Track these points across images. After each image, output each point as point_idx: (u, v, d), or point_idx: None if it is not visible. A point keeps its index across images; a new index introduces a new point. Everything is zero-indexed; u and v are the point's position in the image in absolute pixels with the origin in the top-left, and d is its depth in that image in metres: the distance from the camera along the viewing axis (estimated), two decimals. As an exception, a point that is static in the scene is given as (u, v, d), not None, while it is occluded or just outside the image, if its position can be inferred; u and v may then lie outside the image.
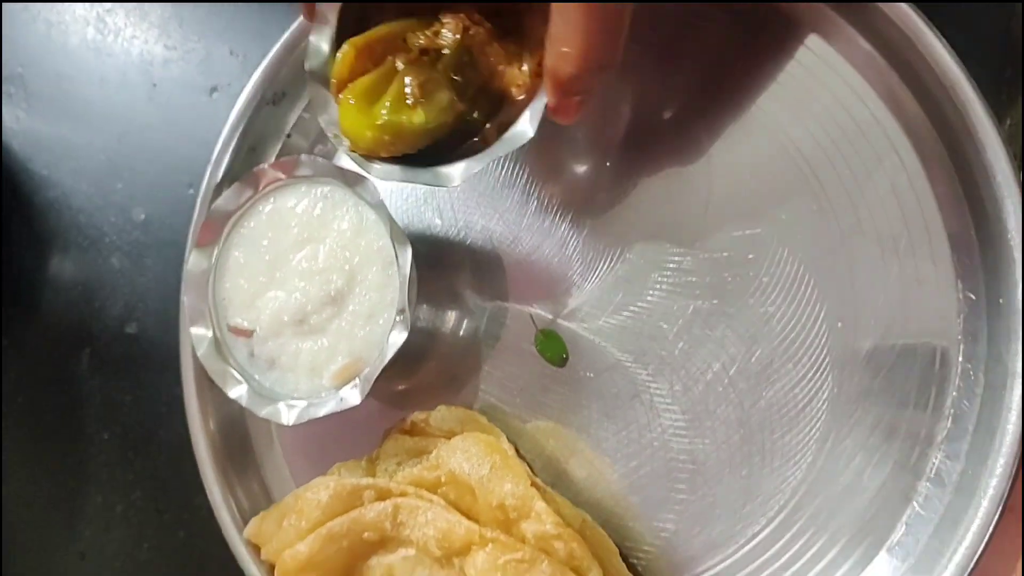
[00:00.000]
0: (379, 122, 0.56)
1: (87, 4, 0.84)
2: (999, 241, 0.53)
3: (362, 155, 0.59)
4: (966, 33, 0.58)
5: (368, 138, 0.57)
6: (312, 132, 0.74)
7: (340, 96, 0.58)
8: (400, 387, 0.71)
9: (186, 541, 0.74)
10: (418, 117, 0.56)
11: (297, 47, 0.72)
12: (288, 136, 0.74)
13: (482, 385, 0.68)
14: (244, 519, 0.69)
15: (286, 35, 0.71)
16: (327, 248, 0.65)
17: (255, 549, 0.67)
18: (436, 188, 0.66)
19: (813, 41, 0.61)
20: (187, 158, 0.78)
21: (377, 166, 0.59)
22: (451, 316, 0.69)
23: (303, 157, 0.65)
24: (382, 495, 0.61)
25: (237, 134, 0.72)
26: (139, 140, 0.81)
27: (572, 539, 0.57)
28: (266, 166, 0.66)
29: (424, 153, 0.59)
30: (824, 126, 0.60)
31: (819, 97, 0.60)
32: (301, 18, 0.70)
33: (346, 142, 0.59)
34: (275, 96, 0.72)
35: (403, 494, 0.61)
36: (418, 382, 0.70)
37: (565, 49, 0.49)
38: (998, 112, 0.57)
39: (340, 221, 0.65)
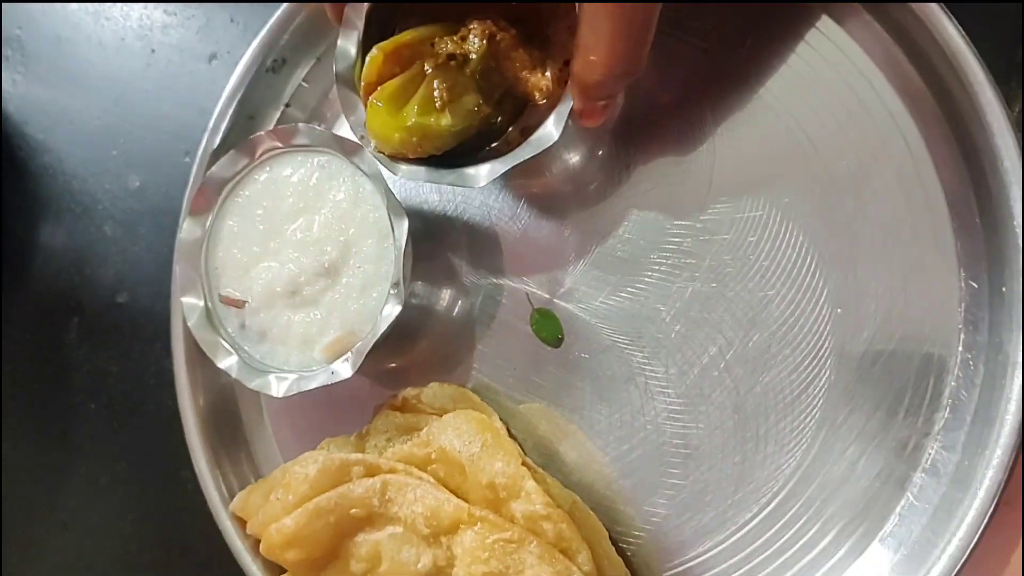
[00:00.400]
0: (407, 124, 0.58)
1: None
2: (1004, 229, 0.53)
3: (389, 156, 0.61)
4: (978, 15, 0.57)
5: (396, 140, 0.59)
6: (311, 103, 0.74)
7: (369, 99, 0.60)
8: (393, 364, 0.70)
9: (170, 514, 0.74)
10: (446, 120, 0.58)
11: (298, 14, 0.71)
12: (287, 106, 0.74)
13: (476, 364, 0.67)
14: (231, 493, 0.68)
15: (286, 3, 0.71)
16: (322, 219, 0.64)
17: (241, 523, 0.66)
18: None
19: (823, 22, 0.60)
20: (184, 125, 0.77)
21: (403, 167, 0.61)
22: (446, 293, 0.69)
23: (300, 126, 0.65)
24: (371, 471, 0.61)
25: (235, 101, 0.71)
26: (136, 106, 0.80)
27: (561, 520, 0.57)
28: (263, 134, 0.66)
29: (448, 154, 0.60)
30: (830, 107, 0.59)
31: (826, 78, 0.60)
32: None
33: (373, 143, 0.61)
34: (274, 63, 0.71)
35: (392, 471, 0.61)
36: (411, 360, 0.70)
37: (592, 57, 0.51)
38: (1008, 98, 0.57)
39: (336, 191, 0.64)
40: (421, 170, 0.60)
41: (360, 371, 0.68)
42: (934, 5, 0.54)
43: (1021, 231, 0.52)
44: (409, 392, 0.65)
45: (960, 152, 0.56)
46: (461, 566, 0.58)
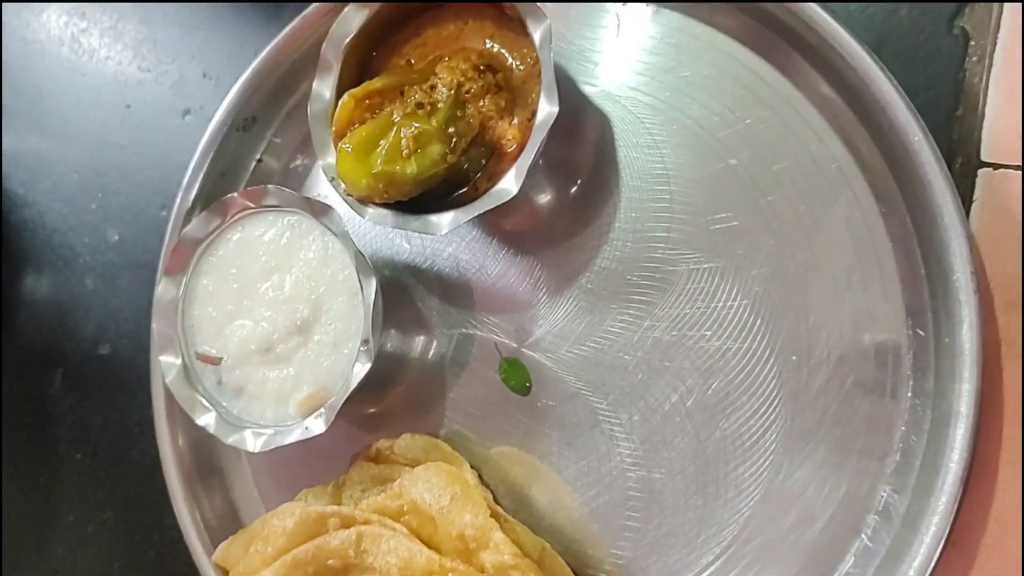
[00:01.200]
0: (374, 171, 0.61)
1: (62, 22, 0.85)
2: (946, 280, 0.55)
3: (357, 199, 0.63)
4: (921, 71, 0.60)
5: (363, 185, 0.61)
6: (284, 155, 0.76)
7: (339, 144, 0.63)
8: (369, 411, 0.72)
9: (156, 561, 0.76)
10: (411, 168, 0.60)
11: (270, 71, 0.73)
12: (259, 160, 0.76)
13: (448, 411, 0.69)
14: (213, 540, 0.70)
15: (258, 60, 0.73)
16: (294, 277, 0.66)
17: (223, 573, 0.68)
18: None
19: (774, 78, 0.62)
20: (160, 179, 0.79)
21: (371, 210, 0.64)
22: (419, 342, 0.71)
23: (270, 187, 0.67)
24: (346, 523, 0.63)
25: (208, 159, 0.74)
26: (113, 160, 0.82)
27: (529, 569, 0.59)
28: (235, 195, 0.68)
29: (416, 200, 0.63)
30: (783, 162, 0.61)
31: (778, 133, 0.62)
32: (275, 42, 0.72)
33: (343, 186, 0.63)
34: (245, 122, 0.73)
35: (367, 522, 0.63)
36: (386, 407, 0.72)
37: None
38: (950, 150, 0.59)
39: (307, 251, 0.66)
40: (388, 215, 0.63)
41: (337, 419, 0.71)
42: (876, 67, 0.56)
43: (961, 284, 0.54)
44: (382, 444, 0.67)
45: (905, 205, 0.58)
46: None
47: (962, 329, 0.54)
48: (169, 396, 0.71)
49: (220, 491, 0.74)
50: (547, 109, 0.59)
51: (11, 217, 0.84)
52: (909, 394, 0.58)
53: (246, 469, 0.74)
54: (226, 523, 0.72)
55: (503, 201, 0.60)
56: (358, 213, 0.63)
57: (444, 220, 0.62)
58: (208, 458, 0.74)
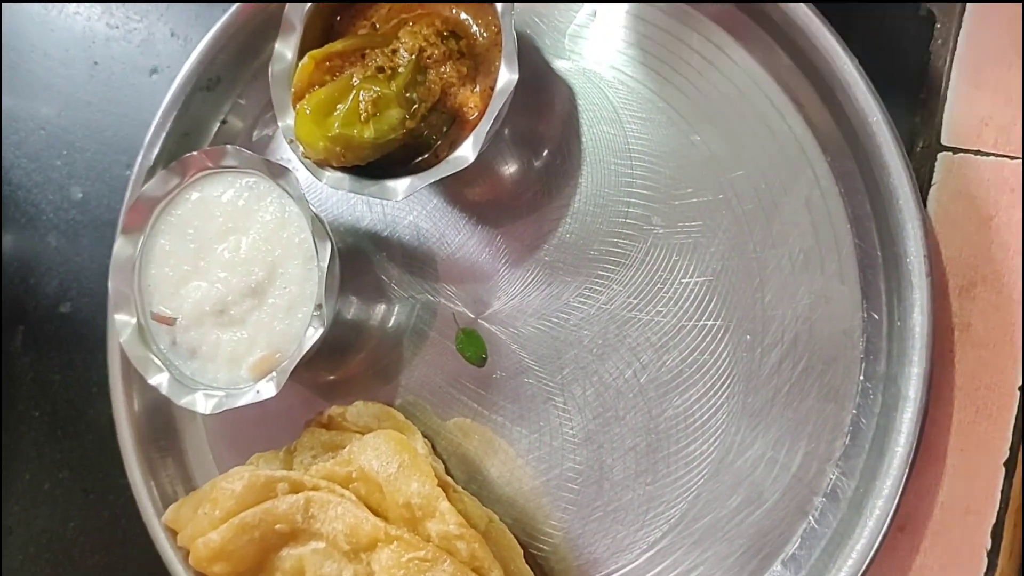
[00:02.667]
0: (331, 134, 0.60)
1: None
2: (900, 263, 0.54)
3: (315, 162, 0.63)
4: (886, 53, 0.59)
5: (321, 148, 0.61)
6: (248, 118, 0.75)
7: (298, 105, 0.62)
8: (327, 379, 0.72)
9: (111, 521, 0.76)
10: (368, 132, 0.60)
11: (236, 32, 0.72)
12: (224, 122, 0.75)
13: (404, 380, 0.69)
14: (166, 503, 0.70)
15: (224, 19, 0.72)
16: (250, 240, 0.66)
17: (174, 534, 0.68)
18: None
19: (740, 55, 0.61)
20: (126, 138, 0.78)
21: (328, 174, 0.63)
22: (377, 310, 0.70)
23: (229, 148, 0.66)
24: (295, 488, 0.63)
25: (171, 118, 0.73)
26: (79, 117, 0.81)
27: (474, 540, 0.59)
28: (194, 154, 0.67)
29: (375, 164, 0.62)
30: (745, 140, 0.61)
31: (741, 112, 0.61)
32: (239, 4, 0.71)
33: (300, 148, 0.62)
34: (210, 82, 0.72)
35: (315, 488, 0.62)
36: (344, 375, 0.71)
37: None
38: (912, 133, 0.58)
39: (264, 213, 0.66)
40: (345, 179, 0.62)
41: (294, 384, 0.70)
42: (839, 48, 0.56)
43: (914, 268, 0.53)
44: (335, 410, 0.67)
45: (864, 187, 0.57)
46: None
47: (913, 312, 0.54)
48: (125, 356, 0.71)
49: (174, 454, 0.73)
50: (507, 77, 0.59)
51: (-25, 174, 0.84)
52: (861, 377, 0.57)
53: (200, 432, 0.74)
54: (179, 486, 0.72)
55: (460, 168, 0.60)
56: (315, 176, 0.63)
57: (401, 186, 0.61)
58: (163, 420, 0.73)
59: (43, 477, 0.78)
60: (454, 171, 0.60)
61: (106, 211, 0.79)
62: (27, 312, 0.80)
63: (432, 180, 0.60)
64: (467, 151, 0.60)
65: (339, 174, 0.63)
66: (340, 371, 0.72)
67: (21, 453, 0.79)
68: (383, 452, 0.61)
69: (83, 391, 0.78)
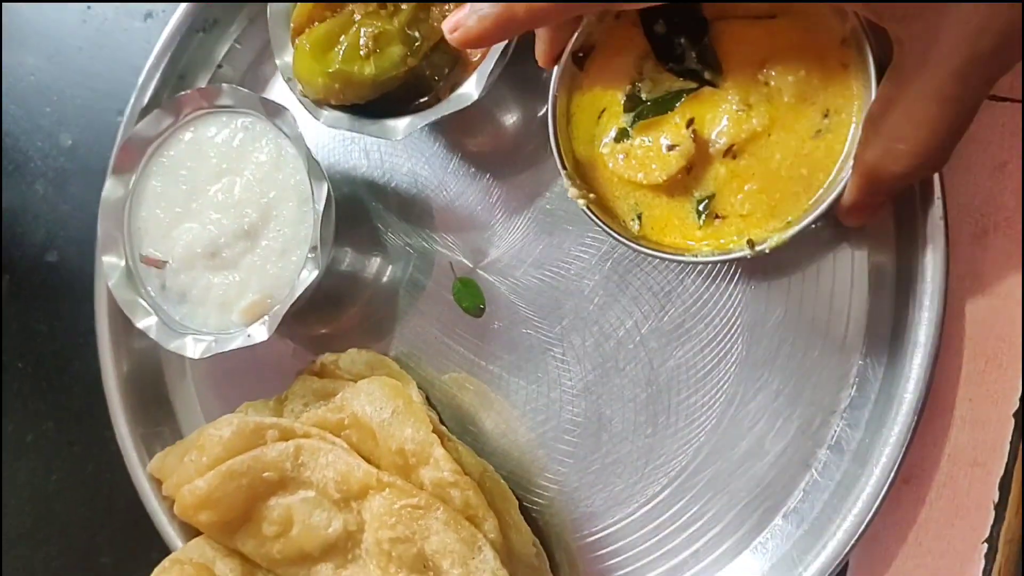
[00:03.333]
0: (330, 70, 0.58)
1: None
2: (912, 205, 0.53)
3: (313, 101, 0.61)
4: None
5: (319, 85, 0.59)
6: (244, 63, 0.73)
7: (296, 41, 0.61)
8: (321, 331, 0.70)
9: (94, 474, 0.74)
10: (369, 69, 0.58)
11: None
12: (219, 67, 0.73)
13: (399, 331, 0.67)
14: (151, 454, 0.69)
15: None
16: (244, 181, 0.64)
17: (159, 485, 0.67)
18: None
19: None
20: (118, 84, 0.76)
21: (326, 113, 0.61)
22: (374, 261, 0.69)
23: (225, 86, 0.65)
24: (285, 435, 0.61)
25: (166, 60, 0.71)
26: (70, 63, 0.80)
27: (468, 487, 0.57)
28: (188, 93, 0.66)
29: (375, 104, 0.60)
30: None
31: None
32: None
33: (299, 86, 0.61)
34: (206, 23, 0.71)
35: (306, 435, 0.61)
36: (339, 326, 0.70)
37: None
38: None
39: (259, 153, 0.64)
40: (344, 118, 0.61)
41: (287, 336, 0.69)
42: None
43: (928, 211, 0.52)
44: (327, 358, 0.66)
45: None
46: (370, 531, 0.58)
47: (925, 258, 0.52)
48: (113, 303, 0.69)
49: (161, 404, 0.72)
50: None
51: (-37, 119, 0.82)
52: (868, 324, 0.56)
53: (189, 384, 0.73)
54: (166, 436, 0.71)
55: (463, 106, 0.58)
56: (313, 115, 0.61)
57: (401, 124, 0.60)
58: (151, 370, 0.72)
59: (27, 429, 0.76)
60: (457, 109, 0.58)
61: (96, 159, 0.77)
62: (13, 261, 0.79)
63: (434, 119, 0.59)
64: (471, 88, 0.58)
65: (337, 113, 0.61)
66: (333, 323, 0.70)
67: (4, 404, 0.77)
68: (377, 398, 0.60)
69: (69, 342, 0.76)
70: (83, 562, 0.73)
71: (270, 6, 0.63)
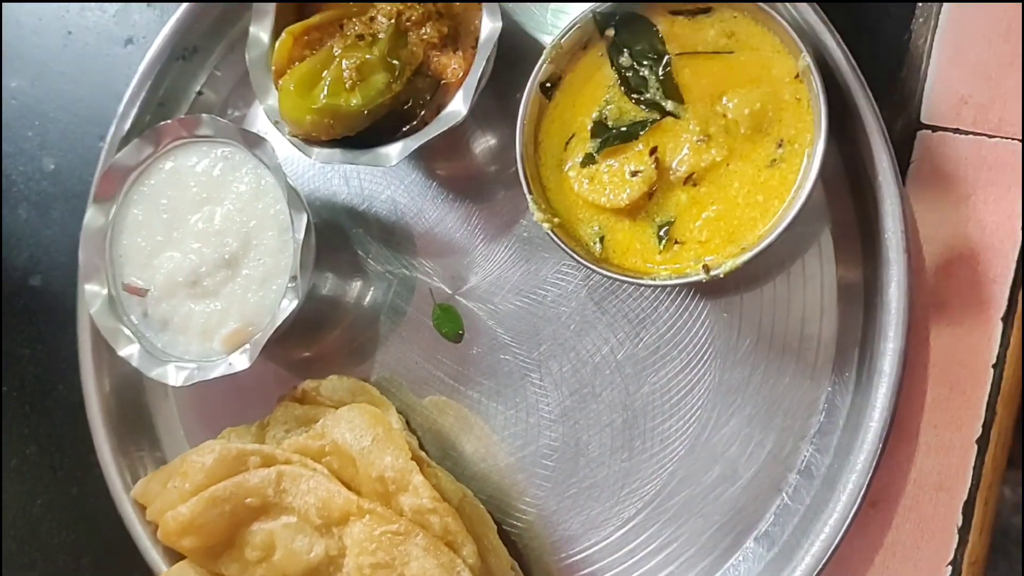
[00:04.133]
0: (317, 105, 0.60)
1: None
2: (878, 239, 0.55)
3: (302, 139, 0.63)
4: (867, 32, 0.59)
5: (308, 122, 0.61)
6: (225, 89, 0.74)
7: (280, 83, 0.62)
8: (302, 355, 0.72)
9: (79, 499, 0.75)
10: (356, 99, 0.60)
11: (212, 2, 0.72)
12: (200, 93, 0.74)
13: (380, 357, 0.69)
14: (135, 479, 0.70)
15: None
16: (224, 210, 0.65)
17: (143, 509, 0.68)
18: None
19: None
20: (100, 109, 0.77)
21: (318, 150, 0.63)
22: (354, 286, 0.70)
23: (205, 117, 0.66)
24: (267, 461, 0.63)
25: (146, 87, 0.72)
26: (52, 87, 0.81)
27: (447, 514, 0.59)
28: (169, 123, 0.67)
29: (364, 136, 0.62)
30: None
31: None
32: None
33: (287, 127, 0.63)
34: (186, 51, 0.72)
35: (287, 462, 0.62)
36: (320, 351, 0.71)
37: None
38: (891, 112, 0.59)
39: (239, 183, 0.66)
40: (336, 152, 0.63)
41: (269, 360, 0.70)
42: (817, 19, 0.56)
43: (892, 243, 0.54)
44: (309, 384, 0.67)
45: (843, 165, 0.58)
46: (351, 556, 0.60)
47: (890, 288, 0.54)
48: (95, 330, 0.70)
49: (144, 430, 0.73)
50: (490, 26, 0.59)
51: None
52: (836, 354, 0.58)
53: (172, 408, 0.74)
54: (149, 463, 0.72)
55: (453, 123, 0.60)
56: (305, 154, 0.63)
57: (394, 150, 0.61)
58: (133, 396, 0.73)
59: (10, 454, 0.77)
60: (447, 127, 0.60)
61: (78, 183, 0.78)
62: (-5, 285, 0.80)
63: (425, 140, 0.60)
64: (458, 106, 0.60)
65: (329, 149, 0.63)
66: (315, 347, 0.72)
67: (-13, 429, 0.78)
68: (357, 425, 0.61)
69: (53, 366, 0.77)
70: (68, 586, 0.75)
71: (248, 56, 0.64)
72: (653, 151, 0.56)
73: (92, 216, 0.68)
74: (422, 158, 0.69)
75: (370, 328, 0.69)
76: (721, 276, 0.54)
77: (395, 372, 0.68)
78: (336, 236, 0.70)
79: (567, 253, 0.56)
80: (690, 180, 0.55)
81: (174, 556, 0.66)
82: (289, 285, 0.62)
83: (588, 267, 0.56)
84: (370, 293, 0.70)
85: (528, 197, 0.57)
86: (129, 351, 0.66)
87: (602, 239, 0.58)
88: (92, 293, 0.67)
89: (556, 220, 0.57)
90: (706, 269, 0.54)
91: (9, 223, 0.80)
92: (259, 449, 0.63)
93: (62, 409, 0.77)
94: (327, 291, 0.70)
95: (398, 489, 0.60)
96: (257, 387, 0.71)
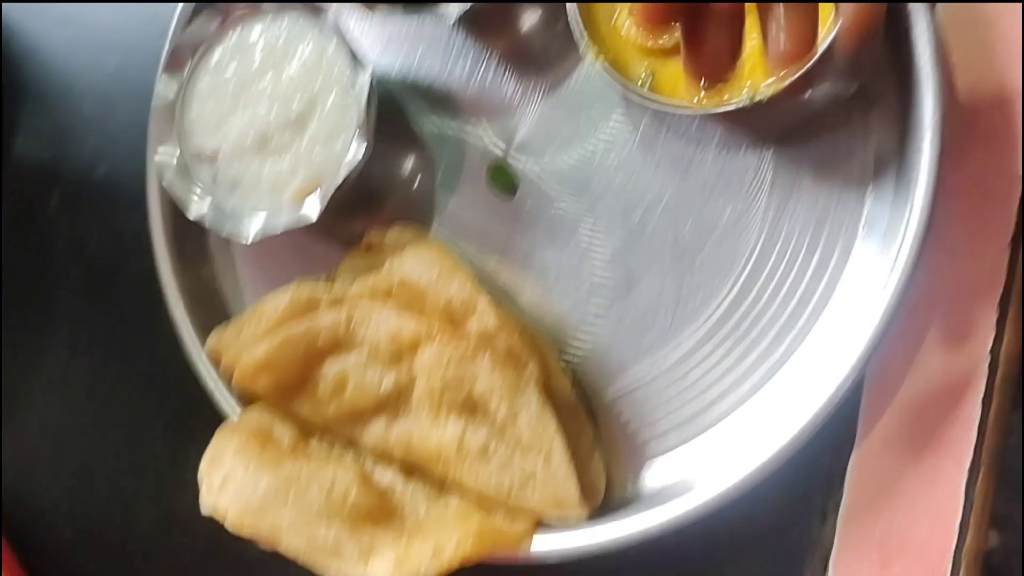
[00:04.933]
0: None
1: None
2: (910, 62, 0.59)
3: None
4: None
5: None
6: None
7: None
8: (359, 226, 0.76)
9: (147, 368, 0.79)
10: None
11: None
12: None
13: (436, 222, 0.73)
14: (203, 338, 0.74)
15: None
16: (289, 75, 0.70)
17: (215, 364, 0.72)
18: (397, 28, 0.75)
19: None
20: (159, 5, 0.82)
21: (380, 5, 0.69)
22: (411, 153, 0.75)
23: (267, -11, 0.71)
24: (336, 302, 0.67)
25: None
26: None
27: (512, 333, 0.63)
28: (232, -3, 0.72)
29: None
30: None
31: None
32: None
33: None
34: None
35: (357, 301, 0.67)
36: (380, 220, 0.75)
37: None
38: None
39: (302, 49, 0.70)
40: (397, 7, 0.68)
41: (328, 232, 0.74)
42: None
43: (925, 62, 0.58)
44: (374, 235, 0.71)
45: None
46: (420, 382, 0.64)
47: (924, 102, 0.59)
48: (166, 204, 0.75)
49: (212, 296, 0.77)
50: None
51: (7, 48, 0.88)
52: (873, 173, 0.62)
53: (238, 277, 0.78)
54: (216, 321, 0.75)
55: None
56: (368, 8, 0.69)
57: (452, 7, 0.66)
58: (203, 266, 0.78)
59: (80, 332, 0.82)
60: None
61: (140, 80, 0.81)
62: (63, 175, 0.84)
63: None
64: None
65: (389, 4, 0.69)
66: (373, 219, 0.75)
67: (59, 310, 0.82)
68: (424, 259, 0.66)
69: (119, 248, 0.82)
70: (142, 449, 0.79)
71: None
72: None
73: (162, 87, 0.72)
74: (473, 29, 0.73)
75: (426, 193, 0.74)
76: (763, 101, 0.58)
77: (453, 231, 0.72)
78: (392, 107, 0.75)
79: (619, 82, 0.61)
80: None
81: (245, 403, 0.71)
82: (353, 139, 0.67)
83: (638, 99, 0.61)
84: (426, 159, 0.74)
85: (581, 36, 0.62)
86: (199, 212, 0.71)
87: (651, 77, 0.63)
88: (163, 162, 0.72)
89: (608, 57, 0.62)
90: (749, 96, 0.58)
91: (74, 119, 0.85)
92: (330, 288, 0.67)
93: (129, 288, 0.81)
94: (385, 160, 0.75)
95: (465, 314, 0.64)
96: (321, 257, 0.75)
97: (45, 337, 0.82)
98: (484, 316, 0.63)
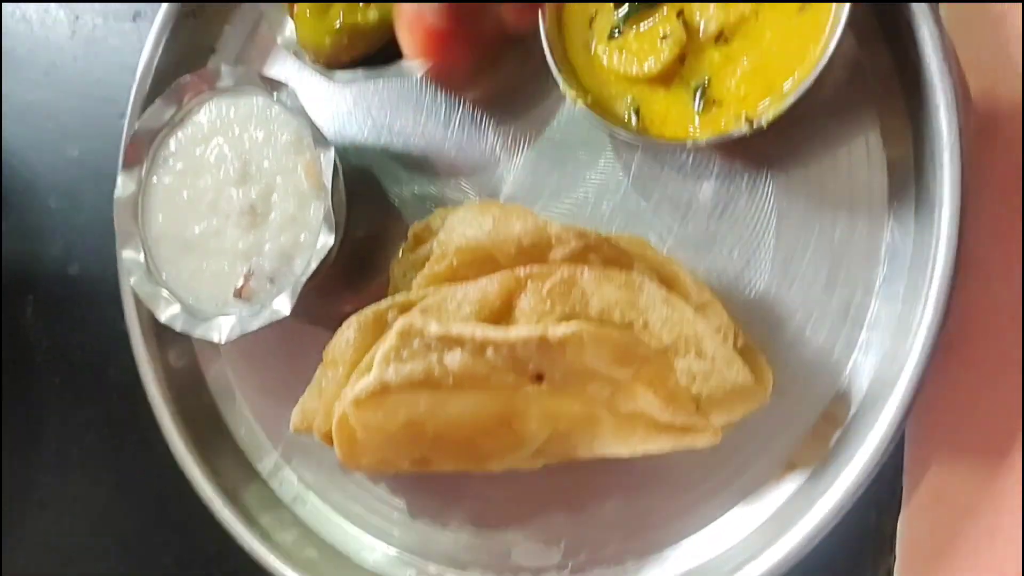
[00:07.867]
0: (336, 26, 0.66)
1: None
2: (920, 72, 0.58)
3: (324, 64, 0.68)
4: None
5: (327, 44, 0.67)
6: (237, 45, 0.80)
7: (295, 10, 0.68)
8: (348, 308, 0.75)
9: (143, 477, 0.80)
10: (372, 14, 0.66)
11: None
12: (213, 51, 0.80)
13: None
14: (200, 448, 0.74)
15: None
16: (250, 158, 0.70)
17: (305, 433, 0.68)
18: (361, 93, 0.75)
19: None
20: (115, 87, 0.82)
21: (340, 73, 0.69)
22: (392, 220, 0.74)
23: (223, 67, 0.71)
24: (404, 308, 0.64)
25: (160, 51, 0.77)
26: (66, 75, 0.87)
27: (601, 241, 0.60)
28: (187, 77, 0.72)
29: (385, 52, 0.67)
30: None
31: None
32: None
33: (307, 56, 0.68)
34: (194, 9, 0.77)
35: (423, 297, 0.63)
36: (368, 294, 0.74)
37: None
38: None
39: (262, 129, 0.70)
40: (359, 72, 0.68)
41: (313, 315, 0.74)
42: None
43: (935, 58, 0.57)
44: (416, 226, 0.69)
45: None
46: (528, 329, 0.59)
47: (939, 114, 0.57)
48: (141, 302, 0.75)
49: (201, 396, 0.78)
50: None
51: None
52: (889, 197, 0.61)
53: (226, 371, 0.78)
54: (210, 423, 0.76)
55: None
56: (328, 78, 0.68)
57: (416, 62, 0.66)
58: (187, 362, 0.78)
59: (70, 444, 0.83)
60: None
61: (104, 164, 0.82)
62: (36, 279, 0.85)
63: None
64: None
65: (351, 71, 0.68)
66: (360, 295, 0.74)
67: (45, 422, 0.83)
68: (472, 219, 0.63)
69: (100, 350, 0.83)
70: (145, 562, 0.80)
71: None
72: (679, 13, 0.59)
73: (123, 183, 0.73)
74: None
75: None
76: (764, 126, 0.57)
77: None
78: (366, 174, 0.75)
79: (605, 127, 0.60)
80: (721, 37, 0.59)
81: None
82: (323, 223, 0.66)
83: (627, 138, 0.60)
84: (410, 223, 0.73)
85: (558, 78, 0.62)
86: (171, 314, 0.71)
87: (637, 111, 0.62)
88: (129, 261, 0.72)
89: (589, 97, 0.61)
90: (749, 123, 0.57)
91: (41, 216, 0.86)
92: (392, 301, 0.64)
93: (115, 391, 0.82)
94: (364, 232, 0.74)
95: (542, 248, 0.61)
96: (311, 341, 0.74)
97: (34, 453, 0.83)
98: (563, 240, 0.60)
